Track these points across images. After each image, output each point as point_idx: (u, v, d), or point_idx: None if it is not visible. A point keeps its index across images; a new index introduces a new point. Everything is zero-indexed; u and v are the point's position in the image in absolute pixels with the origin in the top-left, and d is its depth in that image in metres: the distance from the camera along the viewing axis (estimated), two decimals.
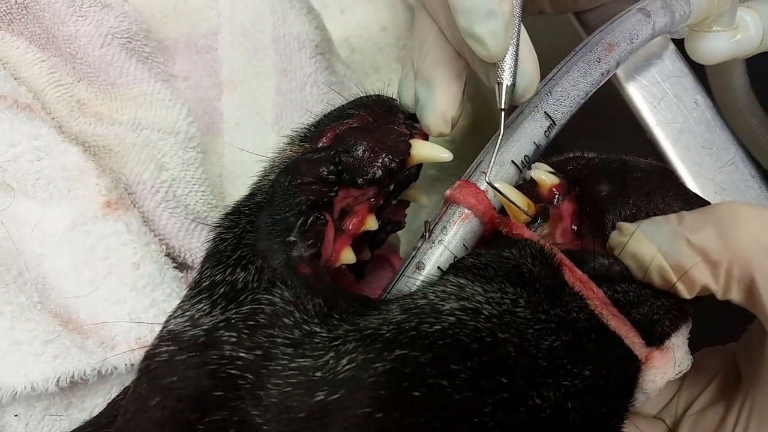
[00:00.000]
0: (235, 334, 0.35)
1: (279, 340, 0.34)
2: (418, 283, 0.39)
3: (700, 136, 0.62)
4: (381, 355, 0.32)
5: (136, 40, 0.62)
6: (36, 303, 0.50)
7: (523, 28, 0.43)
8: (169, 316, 0.39)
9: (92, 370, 0.48)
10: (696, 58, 0.59)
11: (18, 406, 0.49)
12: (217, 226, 0.43)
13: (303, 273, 0.38)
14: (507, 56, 0.42)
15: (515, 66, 0.42)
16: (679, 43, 0.61)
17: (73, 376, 0.48)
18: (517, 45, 0.42)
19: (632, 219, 0.41)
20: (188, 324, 0.37)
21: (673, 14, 0.52)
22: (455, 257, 0.41)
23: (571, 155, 0.47)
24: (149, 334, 0.50)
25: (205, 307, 0.37)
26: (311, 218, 0.39)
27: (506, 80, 0.42)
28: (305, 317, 0.35)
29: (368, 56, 0.81)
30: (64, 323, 0.50)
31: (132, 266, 0.52)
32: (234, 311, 0.36)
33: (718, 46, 0.58)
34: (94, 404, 0.51)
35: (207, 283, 0.39)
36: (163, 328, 0.38)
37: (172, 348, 0.36)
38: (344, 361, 0.33)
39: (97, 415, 0.45)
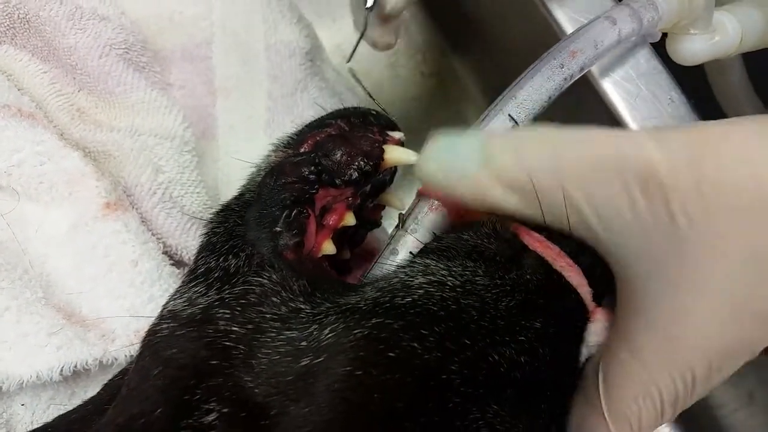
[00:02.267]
0: (228, 311, 0.39)
1: (268, 315, 0.39)
2: (393, 267, 0.44)
3: None
4: (359, 324, 0.36)
5: (133, 51, 0.65)
6: (40, 298, 0.52)
7: None
8: (169, 299, 0.43)
9: (94, 361, 0.51)
10: (677, 59, 0.61)
11: (25, 395, 0.52)
12: (210, 221, 0.48)
13: (288, 259, 0.42)
14: None
15: None
16: (655, 42, 0.64)
17: (75, 366, 0.50)
18: None
19: None
20: (186, 304, 0.41)
21: (640, 20, 0.55)
22: (424, 244, 0.45)
23: None
24: (147, 327, 0.53)
25: (201, 289, 0.41)
26: (295, 211, 0.44)
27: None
28: (291, 296, 0.39)
29: (359, 63, 0.84)
30: (67, 317, 0.52)
31: (131, 264, 0.55)
32: (227, 291, 0.40)
33: (696, 47, 0.60)
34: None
35: (202, 269, 0.43)
36: (163, 308, 0.42)
37: (172, 324, 0.40)
38: (327, 331, 0.37)
39: (96, 394, 0.47)
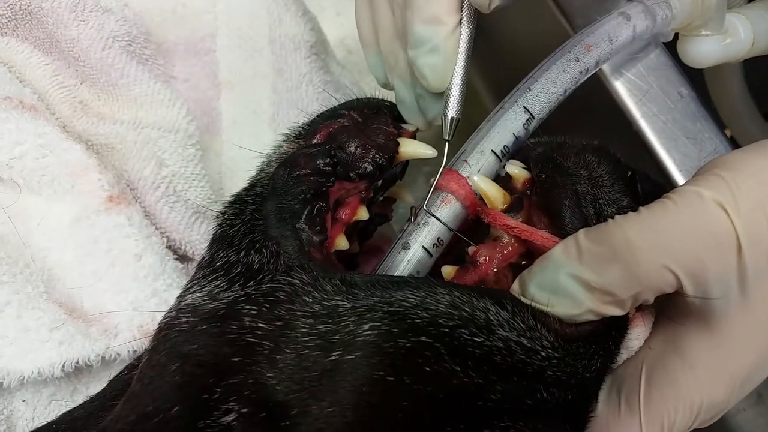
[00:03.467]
0: (255, 308, 0.38)
1: (299, 313, 0.38)
2: (405, 261, 0.43)
3: (684, 128, 0.63)
4: (406, 335, 0.36)
5: (137, 43, 0.65)
6: (42, 293, 0.52)
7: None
8: (185, 290, 0.42)
9: (96, 357, 0.50)
10: (687, 61, 0.60)
11: (26, 392, 0.51)
12: (222, 213, 0.46)
13: (316, 258, 0.41)
14: (453, 90, 0.47)
15: (462, 100, 0.47)
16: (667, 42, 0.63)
17: (77, 362, 0.50)
18: (465, 80, 0.47)
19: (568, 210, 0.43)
20: (207, 298, 0.40)
21: (654, 18, 0.54)
22: (438, 238, 0.44)
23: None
24: (151, 322, 0.52)
25: (222, 284, 0.40)
26: (317, 206, 0.43)
27: (450, 113, 0.47)
28: (325, 296, 0.38)
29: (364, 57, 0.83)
30: (68, 312, 0.52)
31: (134, 258, 0.54)
32: (253, 288, 0.39)
33: (708, 49, 0.59)
34: (98, 390, 0.52)
35: (221, 263, 0.42)
36: (180, 301, 0.41)
37: (192, 319, 0.39)
38: (366, 327, 0.36)
39: (101, 390, 0.46)
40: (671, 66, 0.64)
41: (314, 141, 0.47)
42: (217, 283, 0.40)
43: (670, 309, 0.41)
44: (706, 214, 0.36)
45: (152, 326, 0.52)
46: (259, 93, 0.69)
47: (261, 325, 0.37)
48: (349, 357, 0.35)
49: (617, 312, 0.37)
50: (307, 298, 0.38)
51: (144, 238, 0.55)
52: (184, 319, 0.39)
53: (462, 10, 0.46)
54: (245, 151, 0.65)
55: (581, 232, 0.38)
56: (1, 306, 0.50)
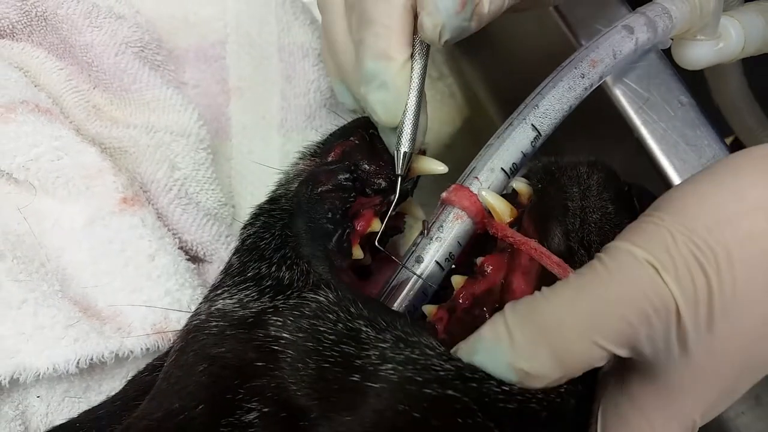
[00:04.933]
0: (281, 320, 0.40)
1: (322, 329, 0.39)
2: (417, 273, 0.45)
3: (684, 135, 0.64)
4: (431, 385, 0.36)
5: (149, 49, 0.66)
6: (57, 291, 0.53)
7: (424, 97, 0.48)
8: (215, 295, 0.44)
9: (110, 353, 0.51)
10: (682, 64, 0.62)
11: (40, 387, 0.52)
12: (250, 225, 0.48)
13: (344, 281, 0.43)
14: (405, 125, 0.46)
15: (414, 134, 0.46)
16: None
17: (92, 359, 0.51)
18: (417, 114, 0.46)
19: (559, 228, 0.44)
20: (237, 305, 0.42)
21: (655, 29, 0.56)
22: (450, 253, 0.46)
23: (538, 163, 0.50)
24: (164, 321, 0.53)
25: (253, 294, 0.42)
26: (347, 230, 0.46)
27: (403, 148, 0.47)
28: (348, 317, 0.40)
29: None
30: (83, 310, 0.53)
31: (148, 258, 0.55)
32: (281, 301, 0.41)
33: (702, 53, 0.61)
34: (110, 387, 0.54)
35: (252, 273, 0.44)
36: (211, 306, 0.43)
37: (222, 324, 0.41)
38: (389, 366, 0.37)
39: (122, 390, 0.48)
40: (671, 74, 0.66)
41: (329, 158, 0.50)
42: (247, 293, 0.43)
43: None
44: (638, 279, 0.34)
45: (165, 324, 0.54)
46: (268, 99, 0.70)
47: (285, 335, 0.39)
48: (373, 385, 0.36)
49: (551, 385, 0.36)
50: (331, 316, 0.40)
51: (157, 239, 0.56)
52: (214, 323, 0.41)
53: (413, 45, 0.46)
54: (255, 157, 0.67)
55: (508, 310, 0.36)
56: (18, 303, 0.51)
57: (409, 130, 0.46)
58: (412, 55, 0.45)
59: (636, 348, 0.35)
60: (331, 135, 0.52)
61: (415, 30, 0.45)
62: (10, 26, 0.65)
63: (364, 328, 0.39)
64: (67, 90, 0.63)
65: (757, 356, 0.36)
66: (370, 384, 0.36)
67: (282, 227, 0.46)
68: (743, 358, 0.35)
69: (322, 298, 0.41)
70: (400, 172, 0.47)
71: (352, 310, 0.40)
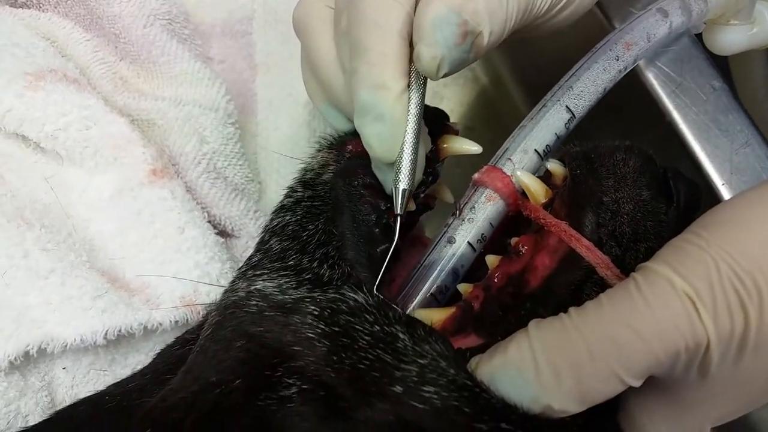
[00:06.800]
0: (318, 309, 0.40)
1: (358, 327, 0.39)
2: (450, 254, 0.45)
3: (716, 120, 0.64)
4: (482, 417, 0.35)
5: (177, 22, 0.65)
6: (84, 262, 0.52)
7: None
8: (254, 275, 0.44)
9: (139, 325, 0.50)
10: (713, 49, 0.62)
11: (66, 359, 0.51)
12: (289, 210, 0.47)
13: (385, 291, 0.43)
14: (404, 160, 0.43)
15: (413, 170, 0.44)
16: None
17: (120, 331, 0.50)
18: (416, 148, 0.43)
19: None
20: (277, 290, 0.42)
21: (690, 13, 0.55)
22: (482, 234, 0.45)
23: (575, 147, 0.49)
24: (193, 294, 0.53)
25: (292, 282, 0.42)
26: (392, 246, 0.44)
27: (402, 185, 0.44)
28: (386, 321, 0.39)
29: None
30: (111, 281, 0.52)
31: (177, 230, 0.54)
32: (319, 293, 0.41)
33: (734, 38, 0.61)
34: (136, 361, 0.53)
35: (292, 263, 0.44)
36: (251, 285, 0.43)
37: (261, 304, 0.41)
38: (431, 389, 0.36)
39: (152, 363, 0.47)
40: (703, 59, 0.65)
41: (348, 149, 0.49)
42: (287, 280, 0.42)
43: None
44: (674, 313, 0.32)
45: (194, 297, 0.53)
46: (294, 75, 0.69)
47: (321, 326, 0.39)
48: (413, 402, 0.36)
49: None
50: (368, 316, 0.39)
51: (187, 211, 0.55)
52: (253, 302, 0.41)
53: (410, 74, 0.43)
54: (280, 133, 0.66)
55: (533, 331, 0.35)
56: (46, 273, 0.50)
57: (407, 165, 0.43)
58: (408, 86, 0.43)
59: (654, 375, 0.34)
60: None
61: (410, 59, 0.43)
62: None
63: (401, 335, 0.38)
64: (94, 61, 0.63)
65: None
66: (410, 401, 0.36)
67: (326, 221, 0.45)
68: (765, 385, 0.35)
69: (360, 299, 0.40)
70: (399, 211, 0.44)
71: (390, 314, 0.40)
